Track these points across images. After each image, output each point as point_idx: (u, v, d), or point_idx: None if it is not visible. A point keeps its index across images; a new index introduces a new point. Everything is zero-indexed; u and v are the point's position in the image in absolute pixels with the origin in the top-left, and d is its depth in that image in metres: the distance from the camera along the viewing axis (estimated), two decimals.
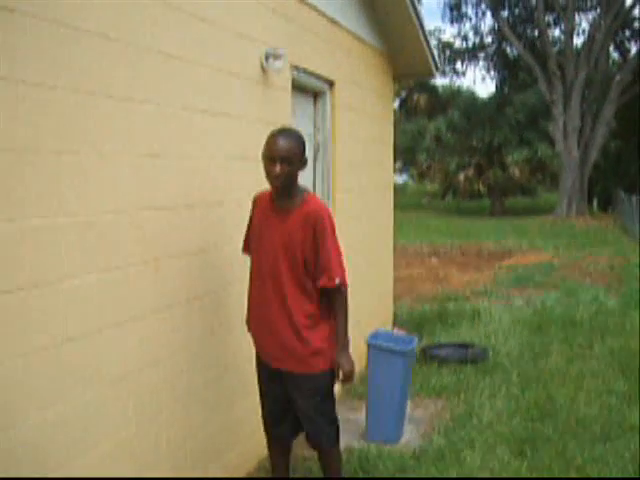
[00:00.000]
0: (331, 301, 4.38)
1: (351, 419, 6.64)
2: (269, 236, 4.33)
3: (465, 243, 22.65)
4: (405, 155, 53.88)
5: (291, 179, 4.25)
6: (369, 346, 6.13)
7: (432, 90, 46.18)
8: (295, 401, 4.49)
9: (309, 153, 7.07)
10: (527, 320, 10.64)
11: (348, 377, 4.42)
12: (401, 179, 65.19)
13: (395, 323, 9.71)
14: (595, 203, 40.09)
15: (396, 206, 35.16)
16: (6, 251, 3.04)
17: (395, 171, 63.34)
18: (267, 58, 5.49)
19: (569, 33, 34.93)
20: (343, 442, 5.98)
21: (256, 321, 4.51)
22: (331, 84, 7.19)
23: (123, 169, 3.84)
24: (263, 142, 5.51)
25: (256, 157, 5.18)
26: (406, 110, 47.78)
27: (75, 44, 3.41)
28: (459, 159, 39.42)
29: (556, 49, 36.29)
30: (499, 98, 40.36)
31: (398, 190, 55.73)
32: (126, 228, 3.87)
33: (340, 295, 4.39)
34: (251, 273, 4.51)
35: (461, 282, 14.97)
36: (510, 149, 37.55)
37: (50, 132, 3.26)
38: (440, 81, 47.80)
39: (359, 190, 8.05)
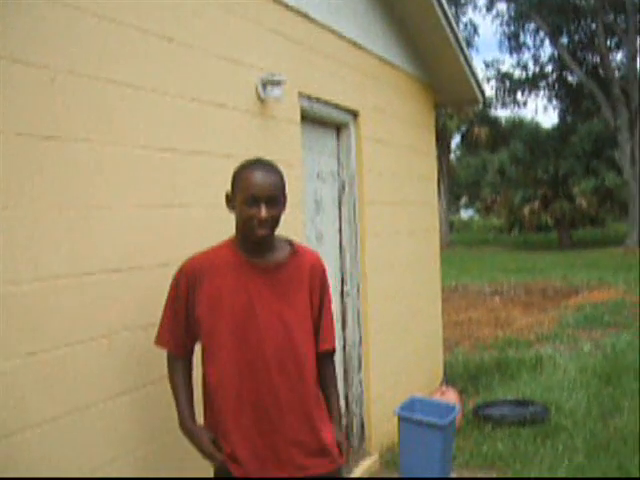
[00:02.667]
0: (324, 368, 3.43)
1: None
2: (263, 307, 3.22)
3: (530, 280, 21.60)
4: (469, 189, 53.17)
5: (277, 225, 3.24)
6: (399, 418, 5.24)
7: (493, 122, 45.25)
8: None
9: (334, 193, 6.31)
10: (595, 368, 9.61)
11: (347, 460, 3.49)
12: (466, 214, 64.43)
13: (445, 380, 8.77)
14: None
15: (461, 242, 35.18)
16: None
17: (460, 207, 62.70)
18: (264, 86, 4.70)
19: (631, 56, 33.96)
20: None
21: (245, 428, 3.22)
22: (355, 115, 6.39)
23: (62, 223, 3.10)
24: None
25: None
26: (467, 144, 46.88)
27: None
28: (524, 192, 38.55)
29: (619, 74, 35.24)
30: (563, 127, 39.46)
31: (463, 226, 55.42)
32: (68, 297, 3.13)
33: (333, 360, 3.51)
34: (221, 374, 3.21)
35: (524, 325, 13.99)
36: (576, 179, 36.65)
37: None
38: (501, 112, 47.00)
39: (393, 233, 7.20)
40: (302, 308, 3.30)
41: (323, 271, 3.44)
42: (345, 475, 5.86)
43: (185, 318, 3.25)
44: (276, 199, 3.18)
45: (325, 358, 3.44)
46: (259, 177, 3.16)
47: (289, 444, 3.21)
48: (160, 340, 3.33)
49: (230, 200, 3.27)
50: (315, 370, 3.35)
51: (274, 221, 3.20)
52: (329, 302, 3.46)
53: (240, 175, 3.22)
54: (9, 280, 2.83)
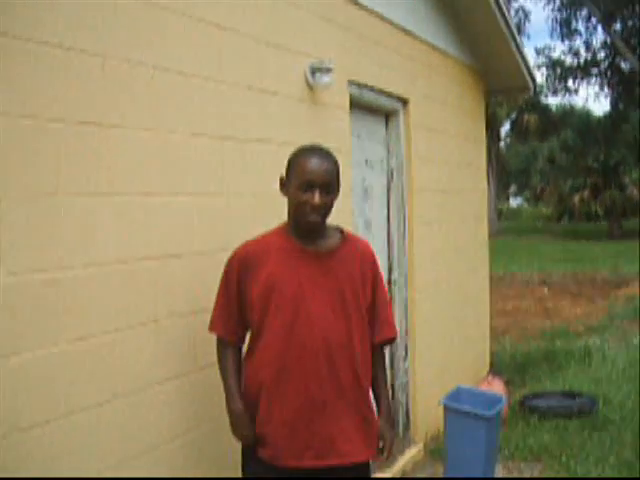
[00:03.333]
0: (375, 359, 3.40)
1: None
2: (314, 294, 3.19)
3: (579, 270, 21.32)
4: (519, 178, 52.69)
5: (329, 212, 3.24)
6: (445, 408, 5.20)
7: (543, 110, 44.69)
8: None
9: (382, 181, 6.27)
10: None
11: (390, 455, 3.45)
12: (515, 202, 63.89)
13: (492, 370, 8.70)
14: None
15: (510, 231, 34.74)
16: None
17: (509, 195, 62.18)
18: (313, 73, 4.67)
19: None
20: None
21: (299, 414, 3.17)
22: (405, 102, 6.33)
23: (111, 210, 3.11)
24: None
25: None
26: (517, 131, 46.38)
27: None
28: (574, 180, 38.06)
29: None
30: (614, 115, 38.78)
31: (512, 214, 54.98)
32: (116, 283, 3.14)
33: (383, 351, 3.50)
34: (268, 355, 3.19)
35: (572, 315, 13.82)
36: (627, 168, 36.03)
37: None
38: (552, 100, 46.41)
39: (442, 221, 7.13)
40: (354, 296, 3.25)
41: (374, 259, 3.41)
42: (389, 463, 5.84)
43: (237, 304, 3.25)
44: (330, 186, 3.18)
45: (377, 349, 3.41)
46: (315, 163, 3.15)
47: (327, 434, 3.19)
48: (213, 326, 3.33)
49: (284, 185, 3.26)
50: (366, 361, 3.31)
51: (327, 208, 3.19)
52: (383, 291, 3.43)
53: (296, 160, 3.22)
54: (60, 266, 2.84)
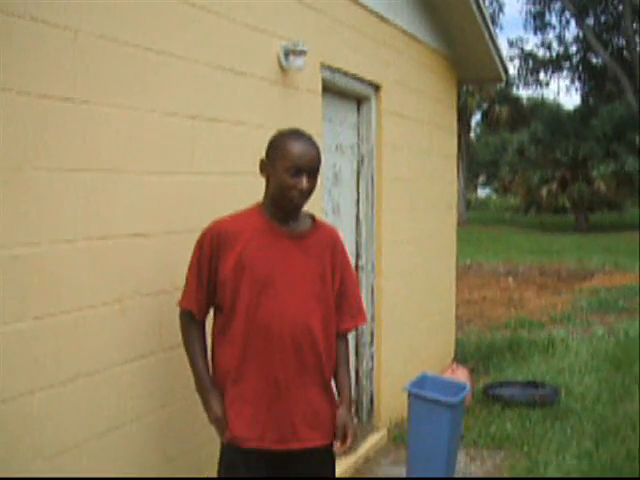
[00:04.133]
0: (339, 346, 3.40)
1: (392, 475, 5.74)
2: (288, 273, 3.20)
3: (545, 262, 21.46)
4: (488, 168, 52.87)
5: (310, 197, 3.28)
6: (409, 395, 5.20)
7: (514, 101, 44.84)
8: None
9: (352, 166, 6.25)
10: (608, 353, 9.53)
11: (352, 441, 3.38)
12: (484, 193, 64.12)
13: (456, 358, 8.73)
14: None
15: (478, 221, 34.83)
16: None
17: (478, 185, 62.36)
18: (286, 55, 4.64)
19: None
20: None
21: (260, 395, 3.19)
22: (377, 88, 6.31)
23: (79, 187, 3.07)
24: None
25: None
26: (488, 122, 46.51)
27: None
28: (542, 173, 38.16)
29: None
30: (584, 109, 39.04)
31: (480, 204, 55.14)
32: (82, 261, 3.10)
33: (347, 339, 3.51)
34: (236, 334, 3.18)
35: (537, 306, 13.90)
36: (596, 162, 36.21)
37: None
38: (523, 92, 46.62)
39: (411, 208, 7.13)
40: (324, 281, 3.28)
41: (343, 246, 3.46)
42: (352, 449, 5.85)
43: (207, 281, 3.22)
44: (317, 171, 3.23)
45: (343, 336, 3.44)
46: (303, 148, 3.18)
47: (289, 418, 3.21)
48: (185, 302, 3.28)
49: (265, 166, 3.26)
50: (331, 347, 3.32)
51: (310, 193, 3.23)
52: (352, 278, 3.47)
53: (282, 143, 3.21)
54: (24, 242, 2.80)
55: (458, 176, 18.28)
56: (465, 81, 9.38)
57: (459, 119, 10.03)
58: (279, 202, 3.21)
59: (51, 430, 2.96)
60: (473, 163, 48.51)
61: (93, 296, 3.17)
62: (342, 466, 5.45)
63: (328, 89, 5.47)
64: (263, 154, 4.31)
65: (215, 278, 3.20)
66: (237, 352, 3.18)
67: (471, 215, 42.47)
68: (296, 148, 3.17)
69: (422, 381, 5.46)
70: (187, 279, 3.27)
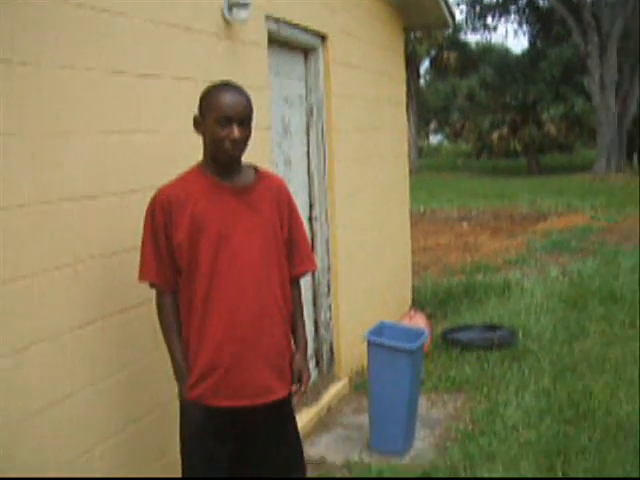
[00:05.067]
0: (293, 292, 3.44)
1: (354, 423, 5.82)
2: (238, 227, 3.21)
3: (499, 206, 21.62)
4: (438, 115, 52.93)
5: (246, 147, 3.25)
6: (368, 343, 5.24)
7: (463, 47, 44.81)
8: (277, 443, 3.37)
9: (302, 118, 6.22)
10: (562, 293, 9.66)
11: (305, 391, 3.47)
12: (435, 140, 64.27)
13: (414, 305, 8.81)
14: (636, 159, 38.56)
15: (430, 168, 34.85)
16: None
17: (429, 132, 62.45)
18: (230, 8, 4.58)
19: None
20: (342, 454, 5.21)
21: (216, 354, 3.18)
22: (323, 38, 6.26)
23: (26, 150, 3.00)
24: None
25: None
26: (436, 69, 46.47)
27: None
28: (493, 117, 38.40)
29: None
30: (533, 53, 39.19)
31: (432, 151, 55.32)
32: (33, 226, 3.05)
33: (299, 285, 3.53)
34: (198, 291, 3.19)
35: (492, 250, 14.02)
36: (545, 105, 36.47)
37: None
38: (471, 37, 46.65)
39: (362, 158, 7.13)
40: (274, 230, 3.30)
41: (289, 194, 3.47)
42: (314, 399, 5.90)
43: (167, 249, 3.19)
44: (248, 120, 3.20)
45: (295, 283, 3.46)
46: (231, 98, 3.17)
47: (258, 368, 3.22)
48: (145, 275, 3.25)
49: (199, 124, 3.23)
50: (287, 296, 3.36)
51: (244, 142, 3.21)
52: (300, 225, 3.49)
53: (210, 96, 3.20)
54: None
55: (409, 124, 18.22)
56: (412, 28, 9.37)
57: (408, 66, 10.01)
58: (215, 156, 3.21)
59: (9, 398, 2.93)
60: (424, 110, 48.49)
61: (45, 261, 3.12)
62: (305, 416, 5.50)
63: (274, 41, 5.42)
64: None
65: (171, 245, 3.18)
66: (198, 312, 3.18)
67: (423, 162, 42.55)
68: (223, 98, 3.17)
69: (380, 329, 5.49)
70: (142, 251, 3.24)
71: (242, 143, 3.20)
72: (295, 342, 3.42)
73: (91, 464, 3.39)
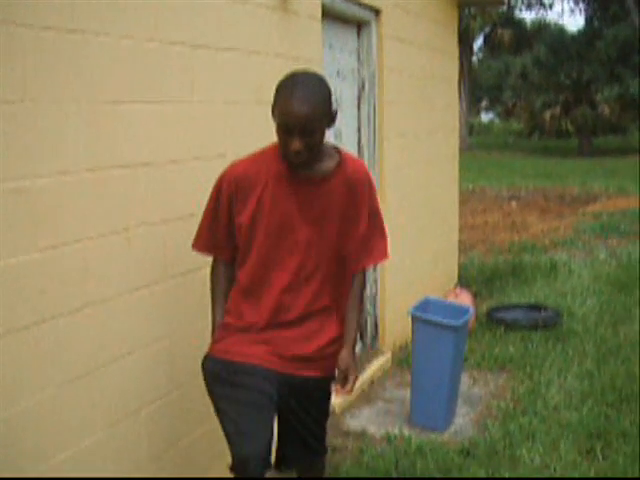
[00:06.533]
0: (354, 285, 3.30)
1: (396, 397, 5.86)
2: (304, 219, 3.12)
3: (548, 186, 21.41)
4: (490, 93, 52.44)
5: (317, 150, 3.06)
6: (413, 318, 5.26)
7: (517, 24, 44.25)
8: (307, 412, 3.35)
9: (353, 91, 6.22)
10: (610, 276, 9.59)
11: (351, 389, 3.27)
12: (487, 118, 63.68)
13: (459, 282, 8.79)
14: None
15: (481, 146, 34.42)
16: None
17: (481, 110, 61.90)
18: None
19: None
20: (383, 427, 5.25)
21: (268, 322, 3.17)
22: (377, 12, 6.24)
23: (80, 118, 3.04)
24: None
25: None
26: (490, 46, 45.97)
27: None
28: (546, 96, 37.88)
29: None
30: (588, 32, 38.52)
31: (483, 129, 54.82)
32: (87, 192, 3.10)
33: (362, 276, 3.35)
34: (255, 270, 3.18)
35: (540, 230, 13.91)
36: (600, 86, 35.89)
37: None
38: (526, 14, 46.06)
39: (412, 133, 7.12)
40: (343, 220, 3.18)
41: (369, 184, 3.28)
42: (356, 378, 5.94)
43: (226, 226, 3.18)
44: (311, 129, 2.95)
45: (359, 275, 3.32)
46: (295, 106, 2.91)
47: (298, 341, 3.20)
48: (197, 244, 3.30)
49: (273, 111, 3.07)
50: (345, 283, 3.27)
51: (310, 148, 3.00)
52: (378, 215, 3.33)
53: (279, 96, 3.00)
54: (27, 175, 2.80)
55: (460, 101, 18.07)
56: (467, 4, 9.28)
57: (461, 43, 9.95)
58: (283, 154, 3.09)
59: (60, 359, 3.00)
60: (476, 88, 48.07)
61: (98, 226, 3.18)
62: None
63: (328, 14, 5.42)
64: (263, 82, 4.32)
65: (233, 224, 3.17)
66: (242, 293, 3.22)
67: (474, 140, 42.24)
68: (287, 105, 2.94)
69: (425, 305, 5.51)
70: (201, 221, 3.27)
71: (306, 152, 2.99)
72: (345, 336, 3.28)
73: (137, 426, 3.47)
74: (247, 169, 3.16)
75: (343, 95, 5.98)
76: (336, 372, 3.27)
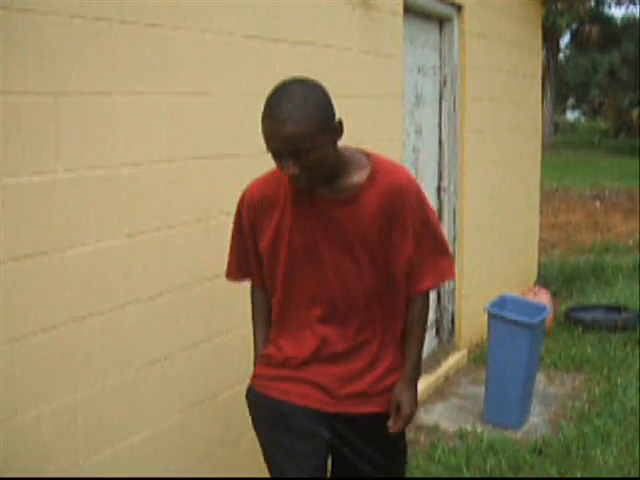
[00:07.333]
0: (411, 308, 2.80)
1: (470, 394, 5.85)
2: (330, 245, 2.65)
3: (634, 187, 20.93)
4: (577, 91, 51.54)
5: (324, 168, 2.53)
6: (489, 315, 5.25)
7: (606, 21, 43.39)
8: (371, 451, 2.83)
9: (435, 87, 6.23)
10: None
11: (406, 423, 2.81)
12: (573, 116, 62.61)
13: (539, 281, 8.71)
14: None
15: (566, 144, 33.64)
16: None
17: (566, 108, 60.90)
18: None
19: None
20: (456, 423, 5.26)
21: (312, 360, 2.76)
22: (459, 8, 6.23)
23: (159, 110, 3.15)
24: (366, 76, 4.74)
25: (357, 94, 4.40)
26: (577, 43, 45.16)
27: None
28: (633, 95, 37.12)
29: None
30: None
31: (569, 128, 53.91)
32: (170, 181, 3.21)
33: (421, 300, 2.83)
34: (285, 302, 2.77)
35: (624, 231, 13.67)
36: None
37: None
38: (615, 11, 45.15)
39: (494, 130, 7.07)
40: (386, 244, 2.67)
41: (416, 194, 2.70)
42: (427, 370, 5.95)
43: (255, 251, 2.80)
44: (305, 148, 2.43)
45: (416, 300, 2.80)
46: (276, 125, 2.43)
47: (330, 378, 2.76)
48: (229, 274, 2.95)
49: None
50: (396, 315, 2.79)
51: (311, 170, 2.49)
52: (430, 229, 2.74)
53: (263, 113, 2.50)
54: (113, 164, 2.90)
55: (545, 98, 17.77)
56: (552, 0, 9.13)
57: (547, 39, 9.82)
58: None
59: (142, 342, 3.10)
60: (562, 85, 47.30)
61: (180, 215, 3.27)
62: (422, 383, 5.53)
63: (410, 10, 5.43)
64: (343, 76, 4.36)
65: (258, 247, 2.79)
66: (275, 327, 2.85)
67: (559, 138, 41.55)
68: (265, 125, 2.48)
69: (502, 302, 5.49)
70: (229, 250, 2.92)
71: (305, 175, 2.50)
72: (403, 367, 2.83)
73: (212, 411, 3.56)
74: (263, 190, 2.76)
75: (424, 91, 6.00)
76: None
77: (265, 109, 2.48)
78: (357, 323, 2.72)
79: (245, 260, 2.86)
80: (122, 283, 2.99)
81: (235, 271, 2.93)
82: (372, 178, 2.63)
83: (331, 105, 2.56)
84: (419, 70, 5.89)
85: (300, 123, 2.41)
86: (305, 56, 4.09)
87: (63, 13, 2.64)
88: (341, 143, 2.60)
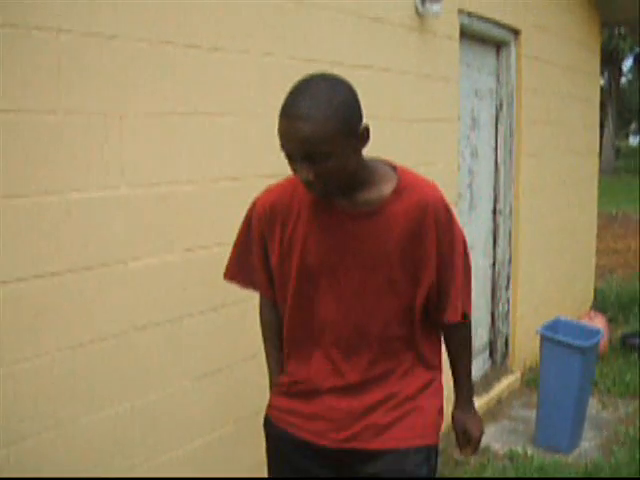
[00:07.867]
0: (449, 339, 2.64)
1: (522, 417, 5.85)
2: (348, 264, 2.40)
3: None
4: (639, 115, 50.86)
5: (343, 178, 2.27)
6: (541, 337, 5.26)
7: None
8: None
9: (491, 111, 6.28)
10: None
11: (476, 447, 2.70)
12: (635, 141, 61.77)
13: (594, 306, 8.65)
14: None
15: (627, 169, 33.01)
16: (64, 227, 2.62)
17: (629, 132, 60.12)
18: (423, 1, 4.71)
19: None
20: (506, 445, 5.27)
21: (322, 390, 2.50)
22: (516, 33, 6.27)
23: (223, 129, 3.26)
24: (422, 99, 4.82)
25: (414, 117, 4.46)
26: None
27: None
28: None
29: None
30: None
31: (631, 153, 53.13)
32: (223, 200, 3.31)
33: (460, 329, 2.61)
34: (294, 322, 2.52)
35: None
36: None
37: None
38: None
39: (550, 154, 7.09)
40: (409, 265, 2.40)
41: (444, 213, 2.41)
42: (484, 393, 5.97)
43: (262, 259, 2.55)
44: (322, 153, 2.17)
45: (451, 328, 2.58)
46: (290, 124, 2.17)
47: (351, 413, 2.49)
48: (226, 272, 2.71)
49: None
50: (424, 343, 2.53)
51: (327, 178, 2.23)
52: (454, 255, 2.45)
53: (281, 107, 2.23)
54: (174, 180, 3.03)
55: (607, 123, 17.59)
56: (611, 23, 9.12)
57: (609, 64, 9.79)
58: None
59: (198, 354, 3.21)
60: (624, 110, 46.74)
61: (231, 232, 3.37)
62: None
63: (466, 34, 5.50)
64: (399, 99, 4.43)
65: (269, 261, 2.54)
66: (291, 334, 2.58)
67: (621, 163, 41.02)
68: (281, 125, 2.20)
69: (555, 325, 5.50)
70: (232, 251, 2.68)
71: (320, 182, 2.24)
72: (455, 395, 2.70)
73: (242, 438, 3.52)
74: (277, 199, 2.49)
75: (481, 114, 6.05)
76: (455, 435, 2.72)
77: (283, 105, 2.21)
78: (372, 352, 2.45)
79: (250, 269, 2.60)
80: (180, 296, 3.11)
81: (234, 274, 2.68)
82: (398, 192, 2.35)
83: (358, 107, 2.28)
84: (476, 94, 5.95)
85: (318, 123, 2.13)
86: (363, 79, 4.16)
87: (132, 37, 2.78)
88: (366, 152, 2.35)
